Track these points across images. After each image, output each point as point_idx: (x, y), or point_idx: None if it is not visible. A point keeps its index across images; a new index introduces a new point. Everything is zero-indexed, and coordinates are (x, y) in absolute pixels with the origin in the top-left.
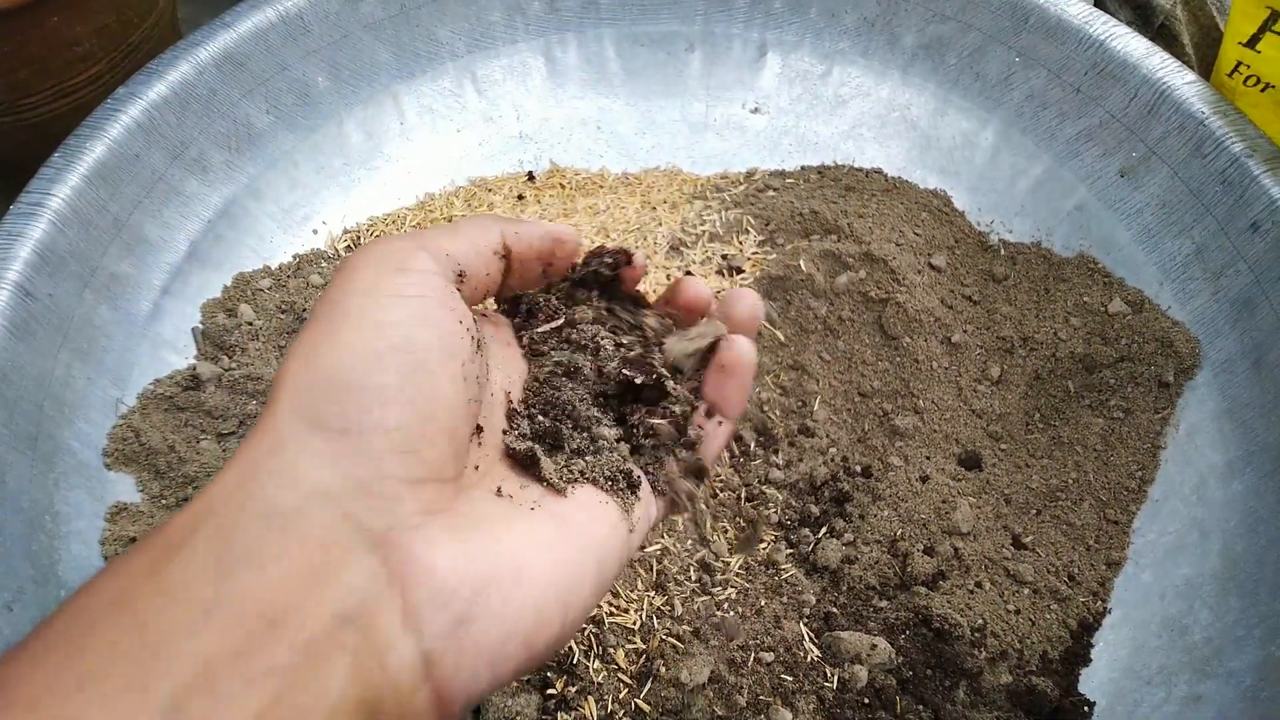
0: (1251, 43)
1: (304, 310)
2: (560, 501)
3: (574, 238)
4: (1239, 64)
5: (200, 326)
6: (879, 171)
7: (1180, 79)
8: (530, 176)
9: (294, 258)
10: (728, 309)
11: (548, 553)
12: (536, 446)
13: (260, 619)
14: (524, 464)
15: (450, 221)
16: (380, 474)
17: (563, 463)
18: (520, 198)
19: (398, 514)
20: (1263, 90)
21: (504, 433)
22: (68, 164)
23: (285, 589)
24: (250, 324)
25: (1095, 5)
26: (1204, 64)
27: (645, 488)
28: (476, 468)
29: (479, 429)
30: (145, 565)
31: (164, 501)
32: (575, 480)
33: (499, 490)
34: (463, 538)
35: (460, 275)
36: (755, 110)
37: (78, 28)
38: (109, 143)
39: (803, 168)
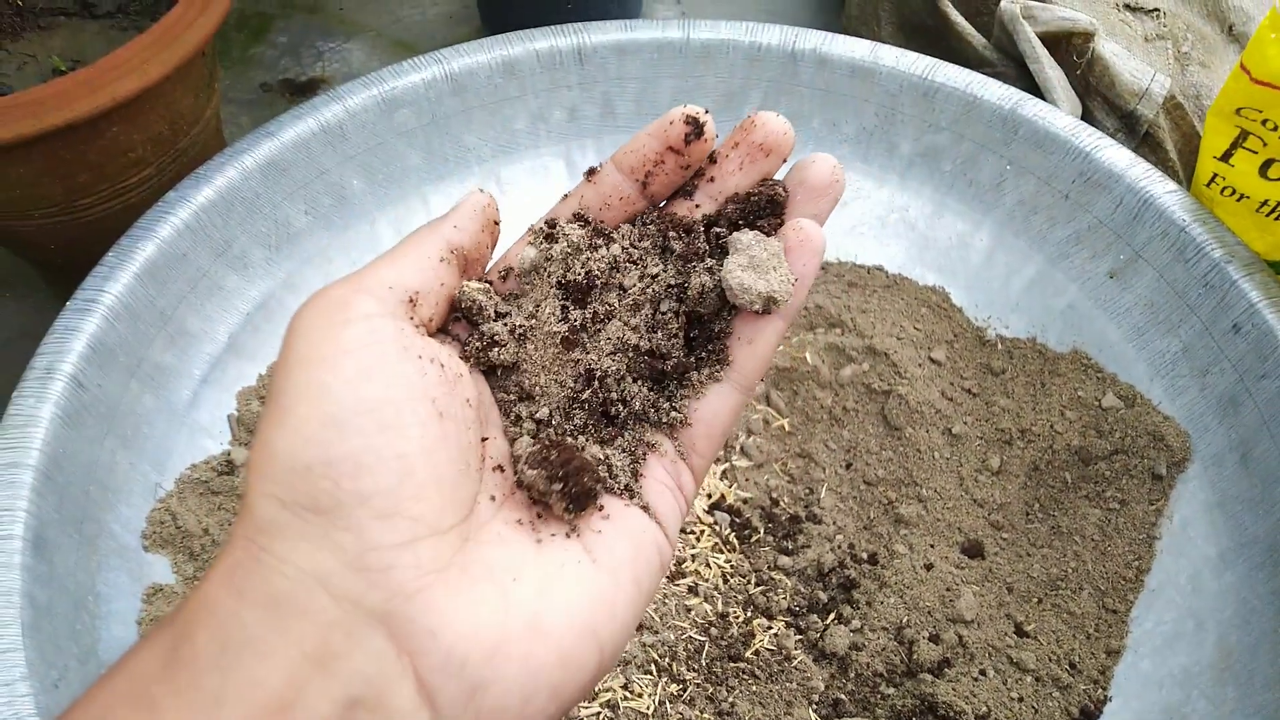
0: (1225, 157)
1: None
2: (583, 520)
3: (490, 200)
4: (1215, 175)
5: (235, 414)
6: (880, 269)
7: (1162, 188)
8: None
9: None
10: (803, 175)
11: (575, 586)
12: (541, 481)
13: (268, 709)
14: (535, 500)
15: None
16: (368, 546)
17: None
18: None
19: (394, 583)
20: (1238, 200)
21: (515, 460)
22: (120, 262)
23: (291, 676)
24: None
25: (1083, 114)
26: (1187, 169)
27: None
28: (493, 498)
29: (483, 459)
30: (155, 660)
31: (197, 582)
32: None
33: (518, 521)
34: (470, 595)
35: (412, 301)
36: None
37: (135, 136)
38: (159, 242)
39: None
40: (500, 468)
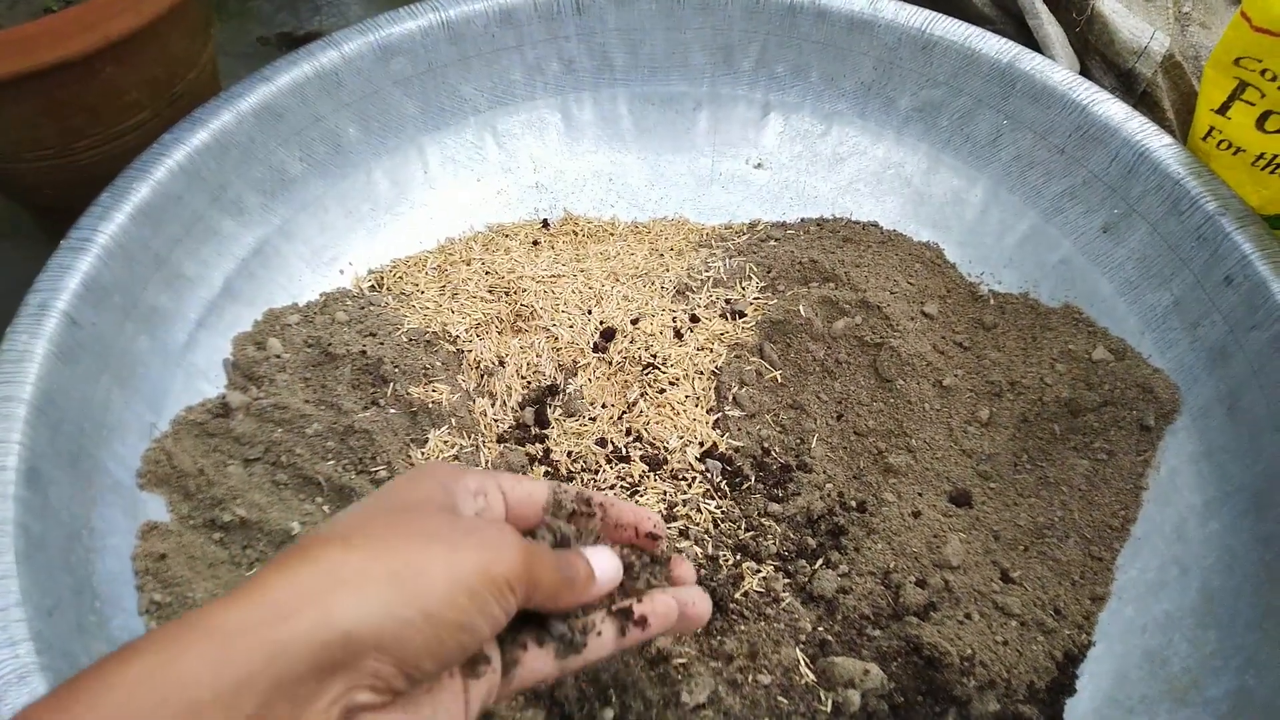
0: (1222, 110)
1: (329, 345)
2: None
3: None
4: (1211, 129)
5: (231, 358)
6: (875, 225)
7: (1158, 142)
8: (545, 224)
9: (321, 296)
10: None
11: None
12: None
13: None
14: None
15: None
16: None
17: None
18: (535, 243)
19: None
20: (1234, 154)
21: None
22: (115, 203)
23: None
24: (278, 357)
25: (1081, 72)
26: (1184, 128)
27: None
28: None
29: None
30: None
31: (192, 521)
32: None
33: None
34: None
35: None
36: (758, 166)
37: (129, 77)
38: (153, 184)
39: (803, 220)
40: None
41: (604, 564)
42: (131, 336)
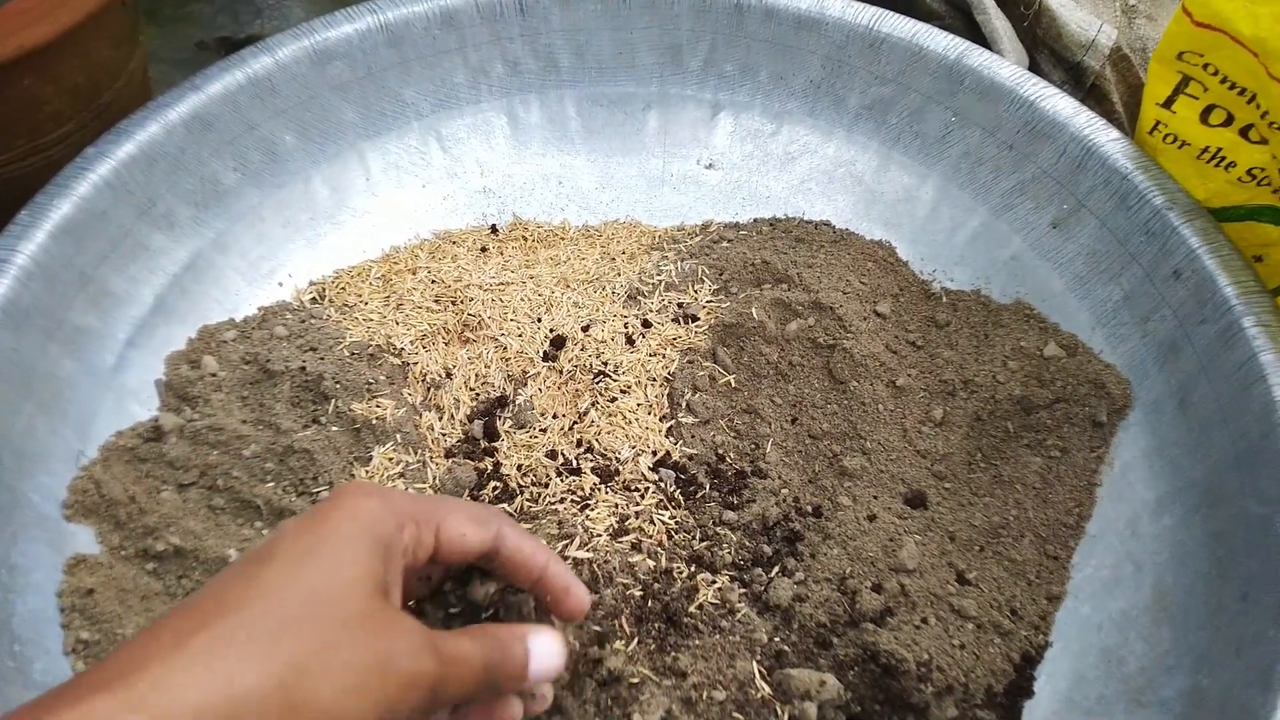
0: (1167, 104)
1: (267, 362)
2: None
3: None
4: (1158, 123)
5: (164, 378)
6: (827, 224)
7: (1105, 136)
8: (493, 229)
9: (259, 310)
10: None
11: None
12: None
13: None
14: None
15: None
16: None
17: None
18: (484, 250)
19: None
20: (1179, 147)
21: None
22: (34, 221)
23: None
24: (214, 375)
25: (1030, 66)
26: (1132, 120)
27: None
28: None
29: None
30: None
31: (123, 552)
32: None
33: None
34: None
35: None
36: (709, 166)
37: (49, 88)
38: (76, 200)
39: (755, 220)
40: None
41: (543, 649)
42: (56, 360)
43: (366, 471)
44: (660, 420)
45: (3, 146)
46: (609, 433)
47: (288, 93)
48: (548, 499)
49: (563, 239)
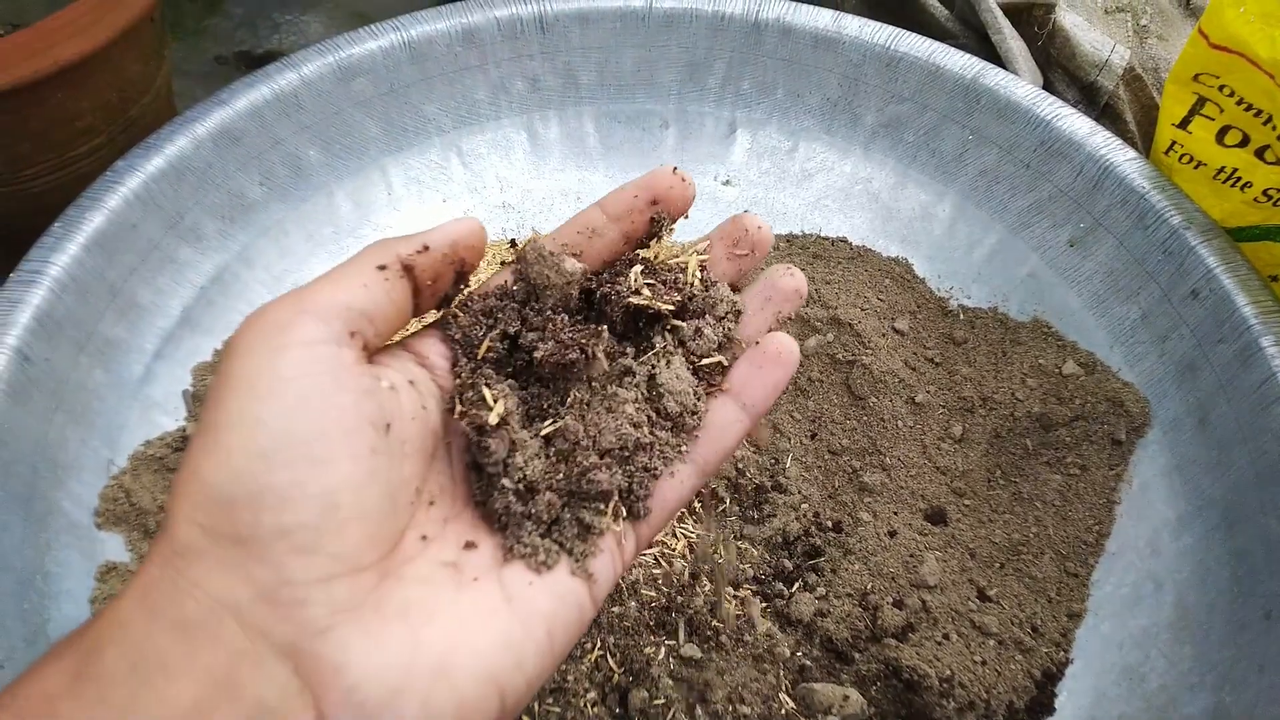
0: (1183, 124)
1: None
2: (507, 568)
3: (476, 231)
4: (1173, 143)
5: (191, 389)
6: (844, 240)
7: (1122, 156)
8: (513, 244)
9: None
10: (771, 283)
11: (485, 633)
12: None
13: None
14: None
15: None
16: (283, 580)
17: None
18: (503, 264)
19: (305, 619)
20: (1195, 168)
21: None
22: (67, 233)
23: (198, 700)
24: None
25: (1044, 86)
26: (1146, 139)
27: (609, 539)
28: (423, 537)
29: (418, 492)
30: (62, 675)
31: (111, 598)
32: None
33: (443, 562)
34: (380, 635)
35: (356, 330)
36: (727, 183)
37: (81, 103)
38: (107, 212)
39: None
40: (433, 502)
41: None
42: (86, 370)
43: None
44: None
45: (33, 160)
46: None
47: (312, 108)
48: None
49: None
